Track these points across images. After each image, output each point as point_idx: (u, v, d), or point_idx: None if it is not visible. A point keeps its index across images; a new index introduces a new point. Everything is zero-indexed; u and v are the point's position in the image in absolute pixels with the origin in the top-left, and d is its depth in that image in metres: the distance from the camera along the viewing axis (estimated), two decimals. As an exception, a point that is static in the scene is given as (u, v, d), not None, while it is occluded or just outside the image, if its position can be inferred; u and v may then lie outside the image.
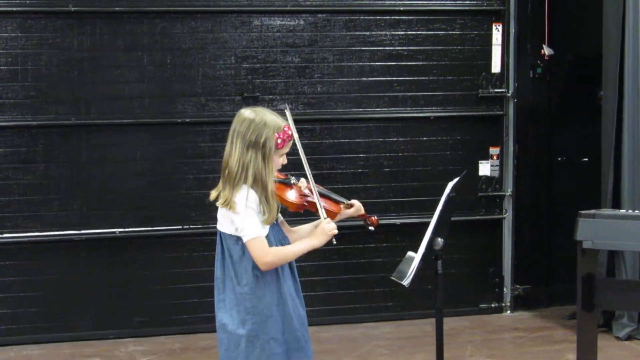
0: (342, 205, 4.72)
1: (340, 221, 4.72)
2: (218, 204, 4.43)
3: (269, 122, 4.40)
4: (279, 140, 4.39)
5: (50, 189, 7.84)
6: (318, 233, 4.49)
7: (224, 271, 4.48)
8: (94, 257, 7.93)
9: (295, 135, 4.50)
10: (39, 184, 7.82)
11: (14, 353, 7.55)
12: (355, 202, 4.75)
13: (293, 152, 4.55)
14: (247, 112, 4.45)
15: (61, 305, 7.87)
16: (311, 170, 4.59)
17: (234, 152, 4.38)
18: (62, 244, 7.87)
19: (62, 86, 7.81)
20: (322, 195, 4.66)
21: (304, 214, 4.71)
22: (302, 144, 4.56)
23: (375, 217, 4.90)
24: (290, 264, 4.53)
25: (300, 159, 4.57)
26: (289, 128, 4.44)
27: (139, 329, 7.99)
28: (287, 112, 4.52)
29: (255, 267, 4.39)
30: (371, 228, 4.92)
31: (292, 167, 4.69)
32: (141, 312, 8.01)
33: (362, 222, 4.92)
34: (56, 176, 7.84)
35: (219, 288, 4.51)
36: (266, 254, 4.35)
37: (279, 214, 4.58)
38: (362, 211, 4.77)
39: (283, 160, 4.49)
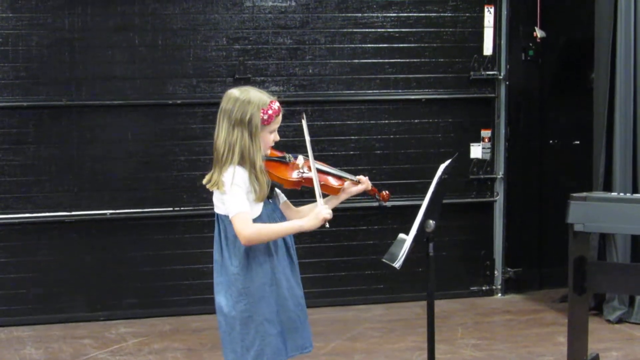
0: (347, 182, 4.65)
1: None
2: (208, 186, 4.42)
3: (254, 99, 4.38)
4: (265, 116, 4.37)
5: (41, 170, 7.81)
6: (311, 216, 4.41)
7: (221, 253, 4.46)
8: (84, 238, 7.91)
9: (308, 139, 4.49)
10: (30, 165, 7.79)
11: (5, 335, 7.53)
12: (363, 179, 4.68)
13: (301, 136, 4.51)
14: (233, 91, 4.45)
15: (52, 287, 7.85)
16: (303, 153, 4.56)
17: (220, 133, 4.39)
18: (53, 226, 7.85)
19: (53, 67, 7.77)
20: (323, 172, 4.62)
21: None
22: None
23: (386, 192, 4.81)
24: (286, 244, 4.50)
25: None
26: (274, 102, 4.42)
27: (130, 310, 7.98)
28: (304, 121, 4.51)
29: (247, 247, 4.36)
30: (383, 204, 4.84)
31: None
32: (132, 293, 8.00)
33: (356, 204, 4.87)
34: (47, 157, 7.81)
35: (217, 270, 4.49)
36: (246, 228, 4.29)
37: (282, 195, 4.57)
38: (370, 187, 4.69)
39: (275, 137, 4.46)
